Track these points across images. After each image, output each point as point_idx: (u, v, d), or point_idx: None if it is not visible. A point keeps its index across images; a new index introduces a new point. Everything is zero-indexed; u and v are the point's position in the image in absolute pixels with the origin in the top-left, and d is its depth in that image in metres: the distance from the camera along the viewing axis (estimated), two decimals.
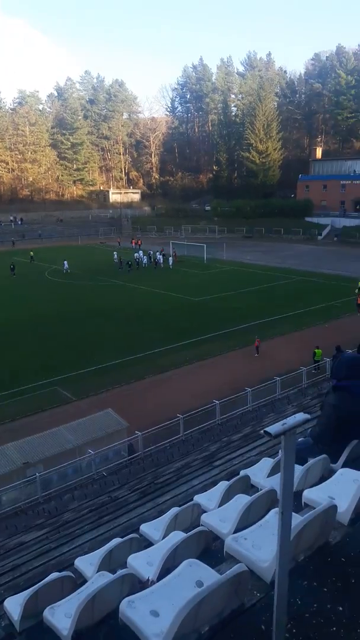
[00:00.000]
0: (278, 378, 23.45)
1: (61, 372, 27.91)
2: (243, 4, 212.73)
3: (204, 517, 6.19)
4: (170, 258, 65.18)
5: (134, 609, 3.82)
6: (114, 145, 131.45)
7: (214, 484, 8.72)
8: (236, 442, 16.26)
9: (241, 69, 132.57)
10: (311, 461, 6.05)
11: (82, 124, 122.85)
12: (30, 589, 5.50)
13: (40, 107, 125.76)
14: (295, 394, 23.22)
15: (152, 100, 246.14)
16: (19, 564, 9.53)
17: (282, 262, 64.41)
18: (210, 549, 5.35)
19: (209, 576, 3.98)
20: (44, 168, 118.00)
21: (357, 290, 43.29)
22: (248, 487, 7.48)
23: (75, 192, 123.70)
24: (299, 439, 6.76)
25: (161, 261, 64.99)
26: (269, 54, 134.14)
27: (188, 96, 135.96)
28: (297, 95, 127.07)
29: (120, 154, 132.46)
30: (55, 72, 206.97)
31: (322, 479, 6.01)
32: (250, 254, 71.51)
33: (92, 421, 19.78)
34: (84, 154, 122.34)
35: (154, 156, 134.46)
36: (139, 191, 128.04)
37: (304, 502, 5.28)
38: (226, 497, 6.88)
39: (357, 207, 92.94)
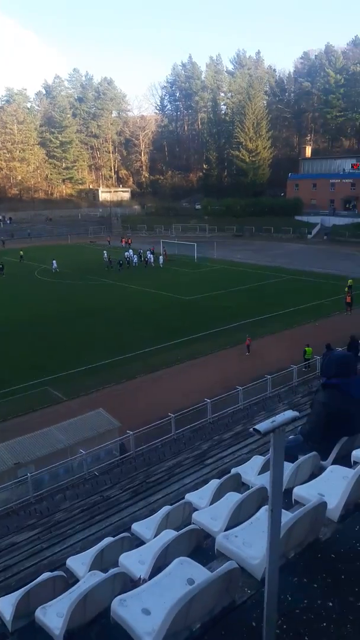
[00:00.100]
0: (269, 376, 23.53)
1: (52, 372, 27.83)
2: (232, 3, 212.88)
3: (195, 516, 6.21)
4: (161, 257, 65.12)
5: (126, 608, 3.83)
6: (103, 143, 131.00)
7: (205, 482, 8.75)
8: (227, 440, 16.31)
9: (230, 67, 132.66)
10: (301, 458, 6.09)
11: (71, 122, 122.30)
12: (22, 589, 5.51)
13: (29, 105, 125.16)
14: (286, 392, 23.30)
15: (142, 99, 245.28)
16: (10, 564, 9.52)
17: (272, 261, 64.56)
18: (201, 547, 5.38)
19: (200, 574, 4.00)
20: (32, 167, 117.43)
21: (346, 289, 43.46)
22: (239, 485, 7.51)
23: (64, 191, 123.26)
24: (290, 437, 6.79)
25: (152, 260, 64.92)
26: (258, 53, 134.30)
27: (177, 94, 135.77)
28: (287, 94, 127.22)
29: (109, 153, 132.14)
30: (43, 70, 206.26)
31: (312, 476, 6.05)
32: (240, 253, 71.61)
33: (84, 421, 19.75)
34: (73, 152, 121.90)
35: (144, 154, 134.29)
36: (129, 190, 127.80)
37: (294, 499, 5.31)
38: (217, 495, 6.91)
39: (347, 205, 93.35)
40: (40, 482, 17.19)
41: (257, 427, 2.77)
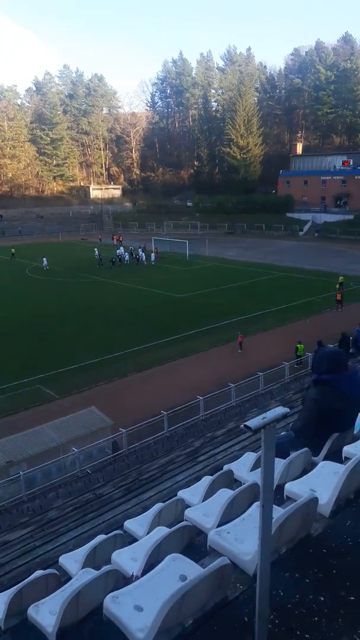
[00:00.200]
0: (261, 373, 23.58)
1: (43, 371, 27.75)
2: None
3: (187, 512, 6.23)
4: (152, 254, 65.01)
5: (118, 605, 3.84)
6: (94, 140, 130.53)
7: (198, 479, 8.77)
8: (220, 437, 16.36)
9: (221, 63, 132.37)
10: (293, 455, 6.12)
11: (62, 119, 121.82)
12: (15, 587, 5.50)
13: (19, 101, 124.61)
14: (278, 388, 23.38)
15: (132, 95, 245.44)
16: (3, 562, 9.52)
17: (263, 258, 64.66)
18: (194, 544, 5.39)
19: (193, 570, 4.01)
20: (23, 164, 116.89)
21: (337, 286, 43.63)
22: (231, 481, 7.53)
23: (55, 188, 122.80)
24: (282, 433, 6.83)
25: (143, 258, 64.82)
26: (249, 49, 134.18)
27: (168, 91, 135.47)
28: (277, 91, 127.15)
29: (100, 150, 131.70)
30: (33, 66, 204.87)
31: (304, 472, 6.07)
32: (232, 250, 71.66)
33: (76, 419, 19.72)
34: (63, 149, 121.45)
35: (135, 151, 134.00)
36: (120, 187, 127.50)
37: (286, 495, 5.34)
38: (210, 492, 6.92)
39: (338, 202, 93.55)
40: (32, 480, 17.15)
41: (247, 423, 2.78)
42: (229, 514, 5.47)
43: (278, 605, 3.63)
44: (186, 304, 42.87)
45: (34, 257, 65.26)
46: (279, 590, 3.76)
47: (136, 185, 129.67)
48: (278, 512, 4.10)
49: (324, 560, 4.15)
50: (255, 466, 7.45)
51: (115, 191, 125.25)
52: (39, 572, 6.06)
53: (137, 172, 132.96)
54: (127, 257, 64.64)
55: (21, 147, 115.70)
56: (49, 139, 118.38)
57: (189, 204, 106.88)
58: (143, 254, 65.33)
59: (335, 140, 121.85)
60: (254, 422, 2.79)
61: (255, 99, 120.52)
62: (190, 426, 20.21)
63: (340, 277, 45.80)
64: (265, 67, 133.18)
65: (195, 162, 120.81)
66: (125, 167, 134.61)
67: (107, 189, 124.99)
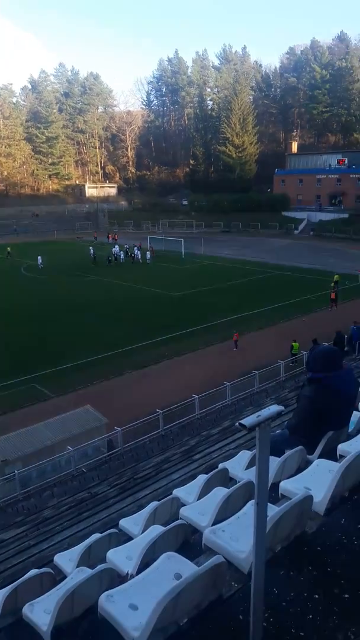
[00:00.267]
0: (256, 372, 23.62)
1: (38, 369, 27.72)
2: None
3: (182, 511, 6.22)
4: (148, 253, 64.96)
5: (113, 603, 3.84)
6: (89, 139, 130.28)
7: (193, 477, 8.77)
8: (215, 435, 16.38)
9: (217, 62, 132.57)
10: (288, 453, 6.12)
11: (57, 117, 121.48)
12: (10, 586, 5.50)
13: (14, 100, 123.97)
14: (274, 387, 23.43)
15: (128, 94, 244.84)
16: None
17: (259, 257, 64.71)
18: (189, 542, 5.39)
19: (188, 569, 4.01)
20: (18, 162, 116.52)
21: (332, 284, 43.68)
22: (226, 479, 7.54)
23: (50, 187, 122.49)
24: (277, 432, 6.83)
25: (139, 256, 64.79)
26: (244, 48, 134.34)
27: (164, 89, 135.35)
28: (273, 89, 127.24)
29: (96, 148, 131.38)
30: (28, 64, 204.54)
31: (299, 470, 6.08)
32: (227, 249, 71.68)
33: (71, 418, 19.71)
34: (59, 147, 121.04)
35: (130, 150, 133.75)
36: (116, 185, 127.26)
37: (281, 493, 5.34)
38: (205, 490, 6.92)
39: (333, 201, 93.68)
40: (27, 479, 17.14)
41: (242, 421, 2.78)
42: (224, 513, 5.47)
43: (273, 603, 3.63)
44: (182, 302, 42.88)
45: (29, 256, 65.13)
46: (273, 588, 3.76)
47: (132, 184, 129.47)
48: (273, 510, 4.10)
49: (319, 558, 4.16)
50: (250, 464, 7.46)
51: (110, 190, 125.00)
52: (33, 571, 6.05)
53: (133, 170, 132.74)
54: (122, 256, 64.56)
55: (16, 145, 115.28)
56: (44, 137, 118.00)
57: (185, 202, 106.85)
58: (138, 252, 65.30)
59: (331, 139, 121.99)
60: (248, 421, 2.78)
61: (251, 97, 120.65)
62: (186, 425, 20.23)
63: (336, 276, 45.85)
64: (260, 65, 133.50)
65: (191, 161, 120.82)
66: (120, 165, 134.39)
67: (103, 187, 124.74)
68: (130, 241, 72.70)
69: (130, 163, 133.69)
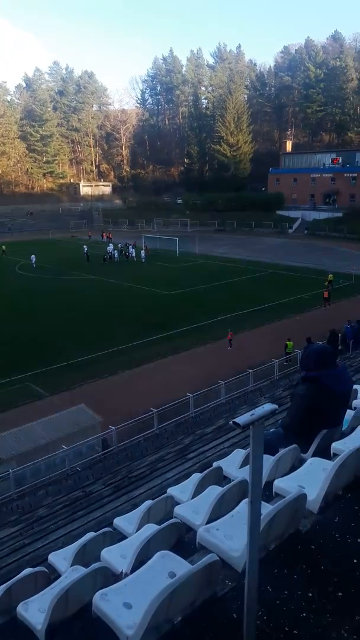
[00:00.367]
0: (250, 370, 23.66)
1: (32, 368, 27.69)
2: None
3: (177, 509, 6.23)
4: (142, 251, 64.91)
5: (107, 602, 3.84)
6: (84, 137, 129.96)
7: (188, 476, 8.76)
8: (209, 434, 16.37)
9: (211, 61, 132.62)
10: (282, 451, 6.13)
11: (52, 115, 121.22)
12: (4, 585, 5.49)
13: (9, 98, 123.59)
14: (268, 385, 23.45)
15: (122, 92, 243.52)
16: None
17: (253, 256, 64.78)
18: (183, 541, 5.40)
19: (182, 567, 4.01)
20: (13, 160, 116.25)
21: (326, 283, 43.79)
22: (221, 478, 7.54)
23: (45, 185, 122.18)
24: (271, 430, 6.84)
25: (133, 255, 64.74)
26: (239, 47, 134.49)
27: (158, 88, 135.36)
28: (267, 88, 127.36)
29: (90, 147, 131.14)
30: (23, 62, 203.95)
31: (293, 468, 6.09)
32: (222, 248, 71.74)
33: (65, 417, 19.69)
34: (53, 146, 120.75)
35: (125, 148, 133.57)
36: (110, 184, 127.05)
37: (275, 492, 5.35)
38: (199, 489, 6.92)
39: (327, 200, 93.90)
40: (22, 478, 17.11)
41: (236, 420, 2.78)
42: (218, 511, 5.48)
43: (267, 602, 3.64)
44: (176, 301, 42.89)
45: (24, 255, 64.99)
46: (267, 587, 3.77)
47: (126, 183, 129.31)
48: (267, 509, 4.10)
49: (313, 556, 4.17)
50: (244, 463, 7.47)
51: (105, 188, 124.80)
52: (28, 570, 6.05)
53: (127, 169, 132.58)
54: (116, 255, 64.52)
55: (11, 143, 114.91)
56: (38, 135, 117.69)
57: (179, 201, 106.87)
58: (133, 250, 65.24)
59: (325, 138, 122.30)
60: (242, 419, 2.79)
61: (245, 96, 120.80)
62: (180, 423, 20.23)
63: (330, 275, 45.98)
64: (255, 64, 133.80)
65: (186, 160, 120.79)
66: (115, 164, 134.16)
67: (97, 186, 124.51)
68: (124, 240, 72.63)
69: (125, 162, 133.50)
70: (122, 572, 4.91)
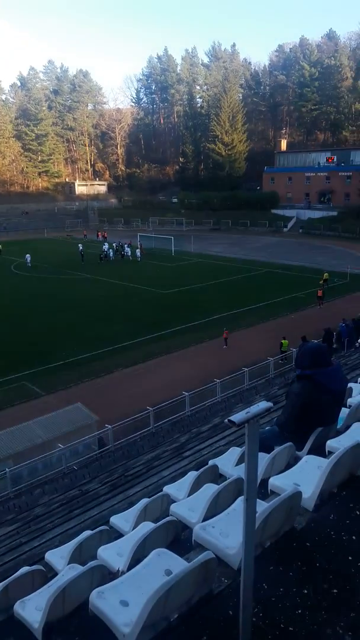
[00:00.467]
0: (246, 369, 23.68)
1: (29, 367, 27.65)
2: None
3: (173, 507, 6.25)
4: (138, 250, 64.85)
5: (104, 600, 3.86)
6: (79, 136, 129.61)
7: (184, 474, 8.80)
8: (205, 432, 16.41)
9: (206, 60, 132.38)
10: (277, 449, 6.16)
11: (47, 114, 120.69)
12: (1, 583, 5.51)
13: (3, 97, 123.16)
14: (263, 384, 23.50)
15: (117, 91, 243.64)
16: None
17: (248, 254, 64.82)
18: (179, 539, 5.42)
19: (178, 565, 4.03)
20: (8, 160, 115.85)
21: (321, 282, 43.87)
22: (216, 476, 7.57)
23: (40, 184, 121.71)
24: (266, 428, 6.87)
25: (129, 254, 64.67)
26: (234, 46, 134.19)
27: (153, 87, 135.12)
28: (262, 87, 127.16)
29: (85, 146, 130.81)
30: (17, 61, 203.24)
31: (288, 466, 6.12)
32: (217, 246, 71.75)
33: (62, 415, 19.69)
34: (48, 145, 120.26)
35: (120, 148, 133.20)
36: (105, 183, 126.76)
37: (270, 490, 5.38)
38: (195, 487, 6.95)
39: (322, 199, 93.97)
40: (18, 477, 17.11)
41: (231, 418, 2.80)
42: (214, 509, 5.50)
43: (262, 599, 3.66)
44: (171, 300, 42.88)
45: (19, 254, 64.87)
46: (263, 584, 3.79)
47: (121, 182, 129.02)
48: (262, 506, 4.13)
49: (308, 553, 4.20)
50: (240, 461, 7.50)
51: (100, 187, 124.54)
52: (25, 569, 6.06)
53: (123, 168, 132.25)
54: (111, 254, 64.41)
55: (6, 143, 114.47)
56: (33, 134, 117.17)
57: (174, 200, 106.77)
58: (128, 249, 65.16)
59: (319, 136, 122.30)
60: (237, 417, 2.81)
61: (240, 95, 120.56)
62: (176, 422, 20.25)
63: (325, 274, 46.05)
64: (249, 63, 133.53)
65: (181, 159, 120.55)
66: (110, 163, 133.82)
67: (93, 185, 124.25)
68: (119, 239, 72.50)
69: (120, 161, 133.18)
70: (118, 570, 4.94)
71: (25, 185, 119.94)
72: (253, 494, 3.08)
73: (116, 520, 7.08)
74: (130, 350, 30.48)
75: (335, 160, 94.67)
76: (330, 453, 5.78)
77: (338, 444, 5.80)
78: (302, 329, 28.85)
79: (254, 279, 51.11)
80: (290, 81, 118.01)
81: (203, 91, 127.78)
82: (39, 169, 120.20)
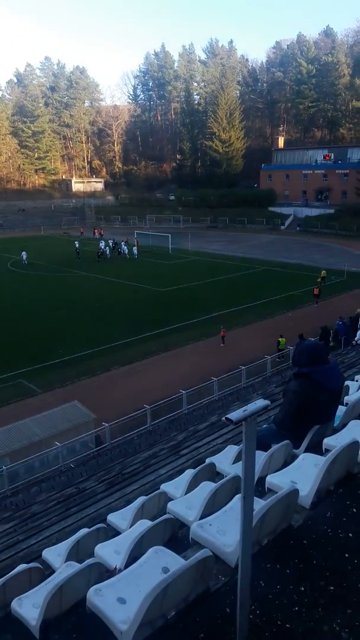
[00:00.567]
0: (243, 367, 23.70)
1: (25, 365, 27.62)
2: None
3: (170, 505, 6.26)
4: (135, 248, 64.75)
5: (101, 597, 3.86)
6: (76, 133, 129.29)
7: (181, 472, 8.80)
8: (202, 430, 16.41)
9: (203, 56, 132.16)
10: (274, 447, 6.16)
11: (43, 111, 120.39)
12: None
13: (0, 93, 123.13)
14: (260, 382, 23.51)
15: (114, 88, 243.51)
16: None
17: (246, 252, 64.83)
18: (176, 536, 5.43)
19: (175, 562, 4.04)
20: (4, 157, 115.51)
21: (319, 280, 43.91)
22: (214, 474, 7.57)
23: (37, 182, 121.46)
24: (263, 426, 6.88)
25: (125, 251, 64.61)
26: (231, 42, 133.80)
27: (150, 84, 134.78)
28: (259, 84, 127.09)
29: (82, 143, 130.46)
30: (14, 57, 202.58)
31: (285, 464, 6.13)
32: (214, 244, 71.74)
33: (59, 413, 19.68)
34: (45, 142, 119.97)
35: (117, 145, 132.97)
36: (102, 180, 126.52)
37: (267, 487, 5.39)
38: (192, 485, 6.95)
39: (319, 196, 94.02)
40: (15, 474, 17.11)
41: (229, 416, 2.81)
42: (211, 507, 5.50)
43: (259, 596, 3.67)
44: (169, 298, 42.87)
45: (15, 251, 64.72)
46: (260, 581, 3.80)
47: (118, 179, 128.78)
48: (259, 504, 4.14)
49: (305, 551, 4.21)
50: (237, 459, 7.51)
51: (97, 184, 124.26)
52: (22, 566, 6.06)
53: (120, 165, 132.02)
54: (107, 251, 64.31)
55: (2, 139, 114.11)
56: (30, 131, 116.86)
57: (172, 197, 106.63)
58: (125, 247, 65.08)
59: (317, 134, 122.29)
60: (235, 415, 2.81)
61: (237, 92, 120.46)
62: (173, 420, 20.25)
63: (323, 272, 46.11)
64: (247, 60, 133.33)
65: (178, 156, 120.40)
66: (107, 160, 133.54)
67: (89, 182, 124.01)
68: (115, 236, 72.38)
69: (117, 158, 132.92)
70: (115, 568, 4.94)
71: (21, 183, 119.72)
72: (250, 492, 3.08)
73: (113, 518, 7.08)
74: (127, 348, 30.47)
75: (332, 157, 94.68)
76: (327, 451, 5.78)
77: (335, 442, 5.81)
78: (300, 327, 28.89)
79: (251, 276, 51.12)
80: (288, 78, 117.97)
81: (200, 88, 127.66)
82: (36, 166, 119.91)
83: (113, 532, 6.66)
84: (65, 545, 6.27)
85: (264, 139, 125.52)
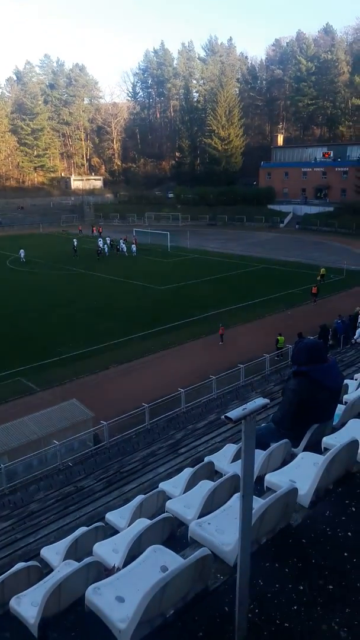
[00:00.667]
0: (242, 365, 23.68)
1: (24, 363, 27.59)
2: None
3: (168, 504, 6.25)
4: (133, 246, 64.68)
5: (100, 596, 3.86)
6: (75, 131, 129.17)
7: (179, 471, 8.79)
8: (201, 429, 16.40)
9: (202, 54, 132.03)
10: (273, 446, 6.16)
11: (43, 109, 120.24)
12: None
13: None
14: (259, 380, 23.50)
15: (114, 85, 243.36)
16: None
17: (245, 250, 64.80)
18: (175, 535, 5.42)
19: (174, 561, 4.03)
20: (3, 154, 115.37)
21: (318, 278, 43.91)
22: (212, 473, 7.57)
23: (36, 179, 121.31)
24: (262, 425, 6.87)
25: (124, 249, 64.55)
26: (230, 39, 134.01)
27: (149, 81, 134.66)
28: (259, 82, 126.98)
29: (81, 140, 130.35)
30: (13, 55, 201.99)
31: (284, 463, 6.12)
32: (213, 242, 71.68)
33: (57, 412, 19.67)
34: (44, 140, 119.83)
35: (116, 142, 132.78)
36: (101, 178, 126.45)
37: (266, 486, 5.38)
38: (191, 484, 6.95)
39: (318, 194, 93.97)
40: (13, 473, 17.09)
41: (228, 414, 2.80)
42: (210, 505, 5.50)
43: (258, 595, 3.67)
44: (167, 295, 42.84)
45: (14, 249, 64.65)
46: (259, 580, 3.80)
47: (117, 176, 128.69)
48: (258, 503, 4.13)
49: (304, 549, 4.21)
50: (235, 458, 7.49)
51: (96, 182, 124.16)
52: (20, 565, 6.05)
53: (119, 163, 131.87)
54: (106, 249, 64.26)
55: (1, 137, 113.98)
56: (29, 129, 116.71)
57: (171, 195, 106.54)
58: (124, 245, 65.02)
59: (316, 131, 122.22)
60: (234, 414, 2.81)
61: (237, 89, 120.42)
62: (172, 418, 20.24)
63: (322, 270, 46.09)
64: (246, 57, 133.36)
65: (177, 153, 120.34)
66: (106, 157, 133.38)
67: (88, 180, 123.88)
68: (113, 234, 72.31)
69: (116, 155, 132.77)
70: (114, 567, 4.94)
71: (20, 180, 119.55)
72: (249, 491, 3.08)
73: (112, 516, 7.08)
74: (125, 346, 30.45)
75: (331, 155, 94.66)
76: (326, 450, 5.78)
77: (334, 441, 5.81)
78: (299, 326, 28.91)
79: (250, 274, 51.09)
80: (287, 75, 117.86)
81: (199, 85, 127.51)
82: (35, 163, 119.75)
83: (111, 531, 6.65)
84: (63, 544, 6.27)
85: (263, 136, 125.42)
